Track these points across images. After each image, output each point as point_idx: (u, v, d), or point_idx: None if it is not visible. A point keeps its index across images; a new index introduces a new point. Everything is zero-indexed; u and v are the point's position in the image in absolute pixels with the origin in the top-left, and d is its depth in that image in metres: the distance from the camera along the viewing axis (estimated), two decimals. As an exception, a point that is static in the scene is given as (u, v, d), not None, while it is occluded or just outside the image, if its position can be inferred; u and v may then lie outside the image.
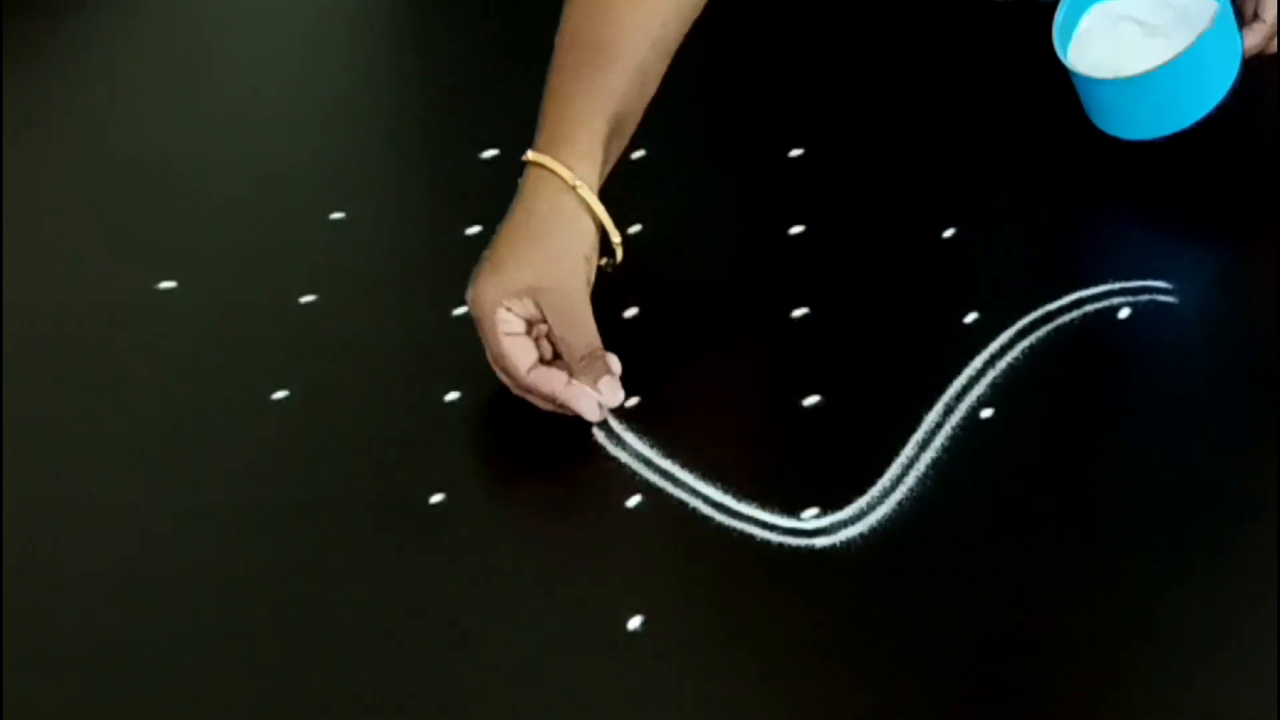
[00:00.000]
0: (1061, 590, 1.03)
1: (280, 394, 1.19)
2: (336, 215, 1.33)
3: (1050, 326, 1.18)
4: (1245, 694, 0.97)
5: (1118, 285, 1.19)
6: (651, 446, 1.13)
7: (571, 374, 1.14)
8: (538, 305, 1.14)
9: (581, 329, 1.14)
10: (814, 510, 1.08)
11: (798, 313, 1.21)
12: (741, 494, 1.09)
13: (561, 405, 1.14)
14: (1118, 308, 1.18)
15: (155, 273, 1.29)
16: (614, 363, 1.15)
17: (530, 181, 1.17)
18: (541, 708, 1.00)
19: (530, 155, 1.17)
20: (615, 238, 1.17)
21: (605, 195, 1.17)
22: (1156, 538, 1.06)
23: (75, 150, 1.42)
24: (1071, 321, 1.18)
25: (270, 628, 1.05)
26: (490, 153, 1.36)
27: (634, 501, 1.10)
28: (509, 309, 1.14)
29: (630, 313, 1.22)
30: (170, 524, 1.11)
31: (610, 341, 1.17)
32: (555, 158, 1.16)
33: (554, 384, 1.14)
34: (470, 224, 1.29)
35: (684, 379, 1.18)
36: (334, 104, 1.47)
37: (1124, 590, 1.03)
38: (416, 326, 1.24)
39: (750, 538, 1.07)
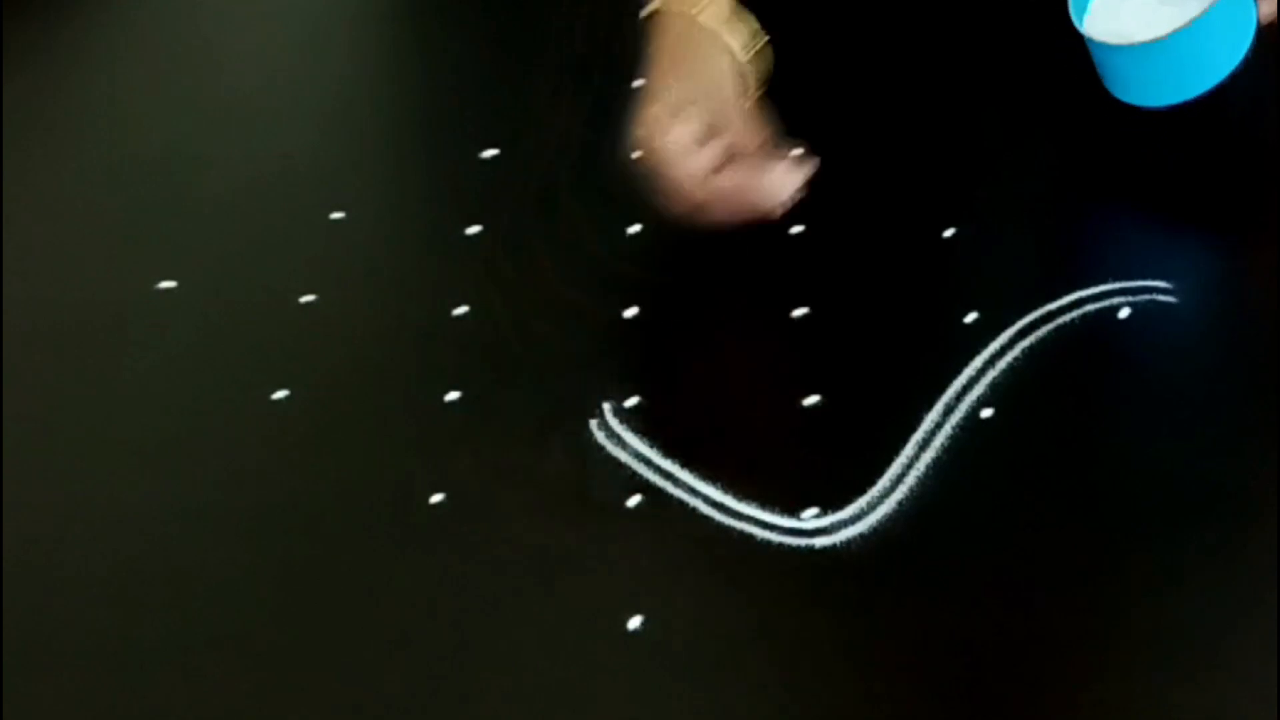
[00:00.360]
0: (1061, 590, 1.03)
1: (280, 394, 1.19)
2: (336, 215, 1.33)
3: (1050, 326, 1.18)
4: (1245, 694, 0.97)
5: (1118, 285, 1.19)
6: (651, 446, 1.13)
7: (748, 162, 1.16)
8: (700, 116, 1.16)
9: (749, 123, 1.17)
10: (814, 510, 1.08)
11: (798, 313, 1.21)
12: (741, 494, 1.09)
13: (750, 205, 1.16)
14: (1118, 308, 1.18)
15: (155, 273, 1.29)
16: (792, 152, 1.18)
17: (661, 26, 1.20)
18: (541, 708, 1.00)
19: (656, 4, 1.20)
20: (755, 46, 1.20)
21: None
22: (1156, 538, 1.06)
23: (75, 150, 1.42)
24: (1071, 321, 1.18)
25: (270, 628, 1.05)
26: (490, 153, 1.35)
27: (634, 501, 1.10)
28: (676, 130, 1.15)
29: (630, 313, 1.22)
30: (170, 524, 1.11)
31: (610, 341, 1.17)
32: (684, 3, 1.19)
33: (738, 176, 1.16)
34: (470, 224, 1.29)
35: (684, 379, 1.18)
36: (334, 104, 1.47)
37: (1124, 590, 1.03)
38: (416, 326, 1.24)
39: (750, 538, 1.07)
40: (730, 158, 1.17)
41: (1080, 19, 1.26)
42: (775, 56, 1.25)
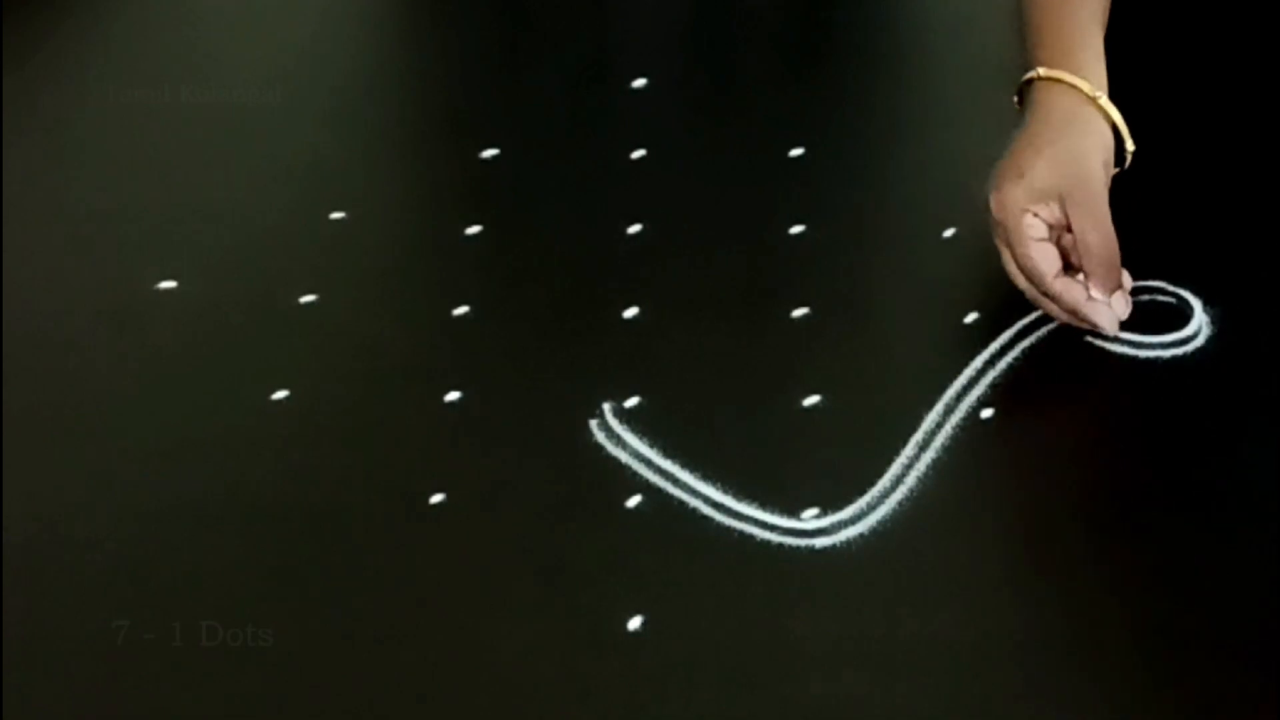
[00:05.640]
0: (1061, 590, 1.03)
1: (280, 394, 1.19)
2: (336, 215, 1.33)
3: (1050, 326, 1.18)
4: (1245, 694, 0.97)
5: (1117, 285, 1.19)
6: (651, 446, 1.13)
7: (1087, 280, 1.15)
8: (1063, 209, 1.14)
9: (1106, 232, 1.15)
10: (814, 510, 1.08)
11: (798, 313, 1.21)
12: (741, 494, 1.09)
13: (1080, 318, 1.16)
14: (1118, 308, 1.18)
15: (155, 273, 1.29)
16: (1126, 277, 1.17)
17: (1044, 95, 1.18)
18: (541, 708, 1.00)
19: (1041, 72, 1.19)
20: (1129, 145, 1.18)
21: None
22: (1156, 538, 1.06)
23: (75, 150, 1.42)
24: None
25: (269, 628, 1.05)
26: (490, 152, 1.36)
27: (634, 501, 1.10)
28: (1035, 214, 1.14)
29: (630, 313, 1.22)
30: (170, 524, 1.11)
31: (610, 341, 1.17)
32: (1067, 70, 1.18)
33: (1077, 296, 1.15)
34: (470, 224, 1.29)
35: (684, 379, 1.18)
36: (334, 104, 1.47)
37: (1124, 590, 1.03)
38: (416, 326, 1.24)
39: (750, 538, 1.07)
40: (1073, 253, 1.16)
41: None
42: (776, 57, 1.25)
